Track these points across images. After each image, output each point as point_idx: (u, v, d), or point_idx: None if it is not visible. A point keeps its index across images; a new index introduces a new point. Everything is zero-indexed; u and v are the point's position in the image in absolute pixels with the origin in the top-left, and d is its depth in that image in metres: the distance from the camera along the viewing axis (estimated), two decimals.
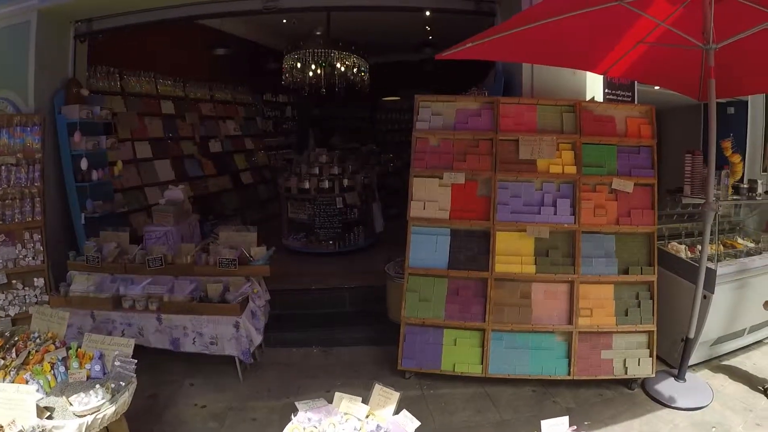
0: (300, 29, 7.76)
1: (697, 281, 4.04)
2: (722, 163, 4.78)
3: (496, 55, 4.45)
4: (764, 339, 4.99)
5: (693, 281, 4.22)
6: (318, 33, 7.34)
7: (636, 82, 5.26)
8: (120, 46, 6.44)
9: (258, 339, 4.56)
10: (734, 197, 4.81)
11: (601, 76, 4.94)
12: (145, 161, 7.12)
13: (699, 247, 4.66)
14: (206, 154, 8.38)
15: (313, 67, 7.40)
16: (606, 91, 4.97)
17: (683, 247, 4.82)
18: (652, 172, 4.30)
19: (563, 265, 4.21)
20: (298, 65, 7.27)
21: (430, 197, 4.36)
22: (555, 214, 4.22)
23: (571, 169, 4.25)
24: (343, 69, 7.50)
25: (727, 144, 4.76)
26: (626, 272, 4.22)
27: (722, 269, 4.37)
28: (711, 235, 4.35)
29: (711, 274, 4.25)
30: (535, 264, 4.21)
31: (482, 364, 4.17)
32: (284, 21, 7.70)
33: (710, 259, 4.29)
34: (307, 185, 6.92)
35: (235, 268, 4.63)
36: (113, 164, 5.85)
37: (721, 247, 4.89)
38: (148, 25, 5.49)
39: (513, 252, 4.25)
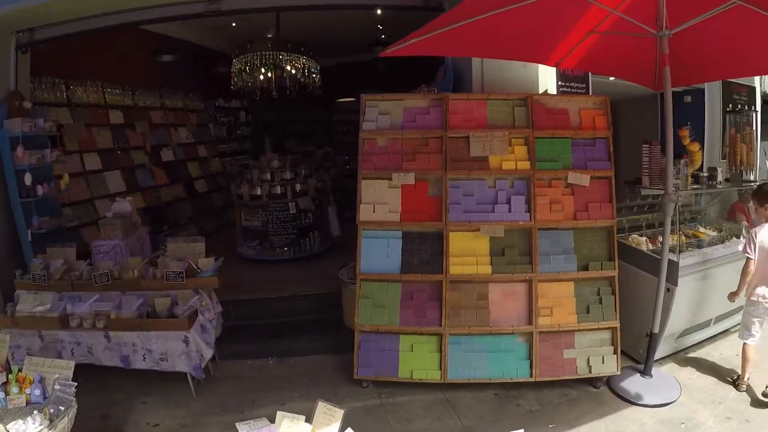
0: (250, 31, 7.38)
1: (659, 274, 3.82)
2: (680, 152, 4.58)
3: (443, 50, 4.21)
4: (730, 328, 4.79)
5: (655, 274, 4.00)
6: (269, 35, 7.01)
7: (590, 73, 5.01)
8: (65, 55, 6.08)
9: (209, 353, 4.29)
10: (694, 186, 4.63)
11: (554, 69, 4.67)
12: (95, 173, 6.69)
13: (660, 238, 4.49)
14: (158, 164, 7.92)
15: (263, 70, 7.03)
16: (559, 83, 4.72)
17: (644, 239, 4.61)
18: (608, 165, 4.07)
19: (520, 264, 3.96)
20: (247, 69, 6.87)
21: (380, 199, 4.09)
22: (509, 211, 3.97)
23: (525, 165, 4.01)
24: (293, 71, 7.14)
25: (685, 132, 4.55)
26: (586, 268, 3.99)
27: (685, 260, 4.16)
28: (672, 225, 4.17)
29: (673, 267, 4.04)
30: (491, 264, 3.96)
31: (441, 369, 3.91)
32: (233, 24, 7.34)
33: (672, 250, 4.08)
34: (258, 191, 6.57)
35: (183, 281, 4.34)
36: (59, 178, 5.51)
37: (683, 237, 4.69)
38: (92, 33, 5.12)
39: (468, 253, 4.00)
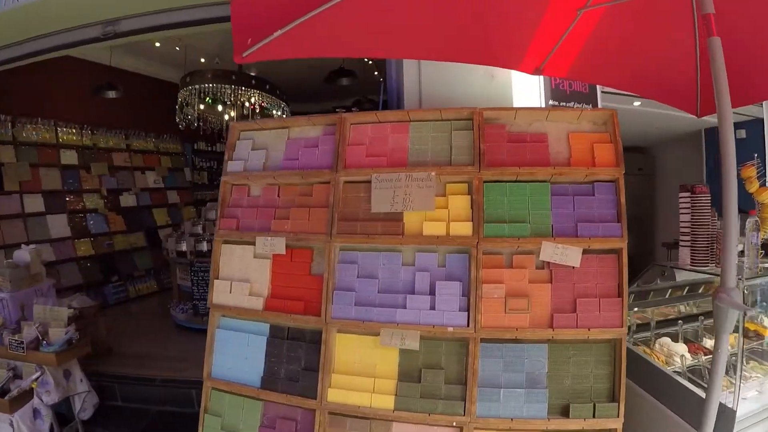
0: (195, 58, 5.81)
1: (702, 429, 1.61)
2: (744, 205, 2.44)
3: (342, 48, 2.02)
4: None
5: (691, 421, 2.00)
6: (216, 62, 5.43)
7: (599, 88, 2.79)
8: (11, 91, 4.94)
9: None
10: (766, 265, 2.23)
11: (539, 79, 2.60)
12: (35, 216, 5.41)
13: (706, 341, 2.39)
14: (115, 209, 6.42)
15: (220, 108, 5.37)
16: (551, 104, 2.59)
17: (681, 347, 2.45)
18: (618, 228, 1.91)
19: (446, 398, 1.91)
20: (199, 105, 5.07)
21: (242, 274, 2.24)
22: (433, 307, 1.94)
23: (464, 228, 1.96)
24: (255, 105, 5.22)
25: (750, 172, 2.29)
26: (566, 413, 1.87)
27: (747, 406, 1.97)
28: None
29: (726, 418, 1.91)
30: (397, 393, 1.95)
31: None
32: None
33: (727, 381, 1.94)
34: (184, 247, 4.70)
35: (23, 352, 2.87)
36: None
37: (744, 339, 2.50)
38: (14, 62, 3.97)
39: (362, 370, 2.02)
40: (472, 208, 1.99)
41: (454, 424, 1.90)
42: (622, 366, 1.91)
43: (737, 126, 3.49)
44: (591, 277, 1.96)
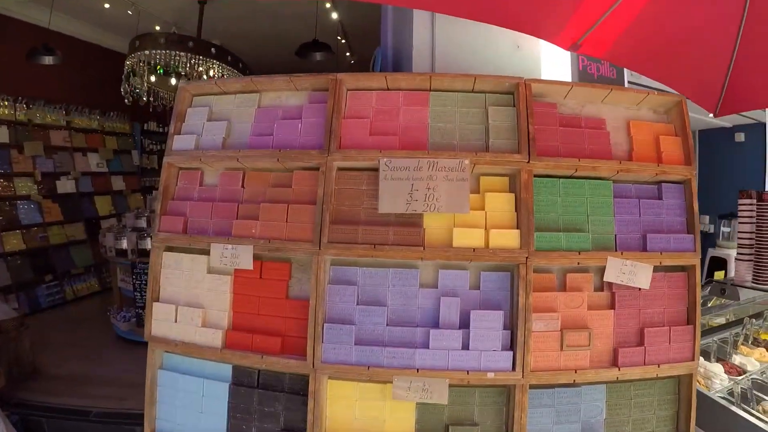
0: (149, 25, 4.65)
1: None
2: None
3: None
4: None
5: None
6: (173, 31, 4.18)
7: (627, 71, 2.54)
8: None
9: None
10: None
11: (569, 58, 2.08)
12: None
13: (735, 359, 2.01)
14: (51, 195, 5.00)
15: (173, 81, 4.11)
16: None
17: (717, 368, 2.06)
18: (689, 240, 1.40)
19: None
20: (149, 76, 3.97)
21: (192, 296, 1.45)
22: (466, 346, 1.29)
23: (509, 238, 1.31)
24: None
25: None
26: None
27: None
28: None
29: None
30: None
31: None
32: (129, 12, 4.51)
33: None
34: (124, 244, 3.52)
35: None
36: None
37: None
38: None
39: (365, 430, 1.33)
40: (517, 210, 1.37)
41: None
42: (692, 406, 1.41)
43: (736, 129, 3.19)
44: (658, 300, 1.43)
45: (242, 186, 1.48)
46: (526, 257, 1.31)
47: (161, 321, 1.48)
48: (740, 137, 3.07)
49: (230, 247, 1.39)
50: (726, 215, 1.97)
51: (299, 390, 1.37)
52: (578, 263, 1.35)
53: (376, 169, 1.36)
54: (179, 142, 1.51)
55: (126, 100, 3.97)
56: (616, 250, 1.39)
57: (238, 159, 1.44)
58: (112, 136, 6.02)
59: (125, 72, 3.84)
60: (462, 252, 1.30)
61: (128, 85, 3.94)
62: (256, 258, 1.40)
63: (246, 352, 1.38)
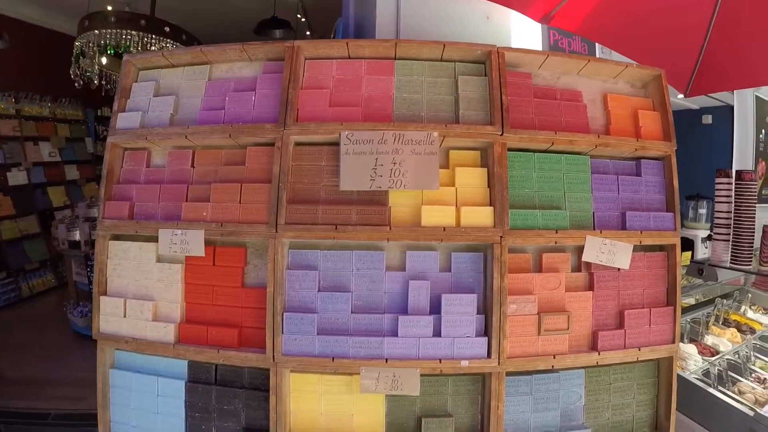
0: (102, 5, 4.05)
1: None
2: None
3: None
4: None
5: None
6: (126, 9, 3.88)
7: (599, 47, 2.42)
8: None
9: None
10: None
11: (540, 30, 2.00)
12: None
13: (707, 339, 1.99)
14: (2, 188, 4.75)
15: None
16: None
17: (691, 348, 1.98)
18: (669, 219, 1.32)
19: None
20: (100, 58, 3.59)
21: (141, 287, 1.30)
22: (438, 333, 1.18)
23: (482, 215, 1.20)
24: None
25: None
26: None
27: None
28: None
29: None
30: None
31: None
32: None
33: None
34: (77, 236, 3.31)
35: None
36: None
37: (736, 333, 2.14)
38: None
39: (332, 425, 1.21)
40: (490, 186, 1.26)
41: None
42: (672, 390, 1.34)
43: (703, 111, 3.15)
44: (638, 281, 1.35)
45: (192, 166, 1.34)
46: (501, 236, 1.20)
47: (110, 316, 1.33)
48: (707, 119, 3.02)
49: (180, 232, 1.24)
50: (693, 196, 1.91)
51: (260, 385, 1.24)
52: (555, 242, 1.25)
53: (336, 144, 1.23)
54: (123, 120, 1.35)
55: (76, 84, 3.67)
56: (594, 229, 1.30)
57: (186, 136, 1.29)
58: (64, 123, 5.64)
59: (74, 53, 3.56)
60: (431, 231, 1.19)
61: (78, 68, 3.65)
62: (209, 243, 1.26)
63: (201, 346, 1.25)
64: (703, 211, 1.86)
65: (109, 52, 3.32)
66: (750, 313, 2.27)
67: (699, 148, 2.63)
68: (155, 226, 1.28)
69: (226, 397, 1.26)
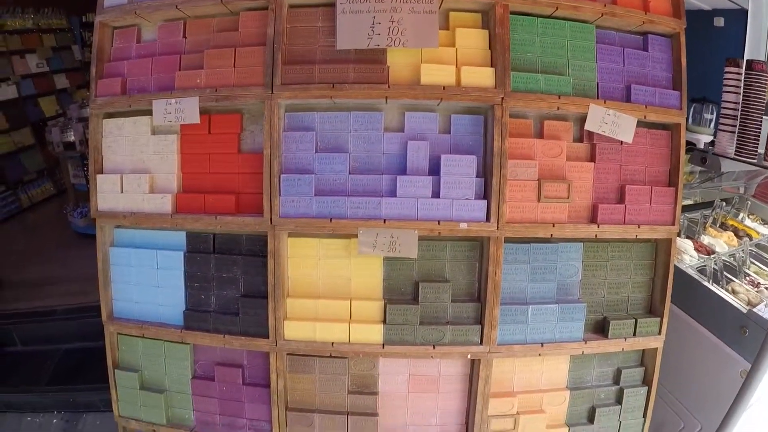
0: None
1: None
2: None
3: None
4: None
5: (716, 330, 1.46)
6: None
7: None
8: None
9: None
10: None
11: None
12: None
13: (704, 239, 1.95)
14: None
15: None
16: None
17: (687, 244, 1.98)
18: (675, 97, 1.24)
19: (455, 322, 1.18)
20: None
21: (137, 162, 1.25)
22: (437, 194, 1.14)
23: (482, 76, 1.13)
24: None
25: None
26: (600, 330, 1.26)
27: None
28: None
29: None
30: (385, 320, 1.17)
31: None
32: None
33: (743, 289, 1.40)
34: (71, 136, 3.21)
35: None
36: None
37: (732, 236, 2.14)
38: None
39: (330, 290, 1.20)
40: (491, 48, 1.18)
41: (469, 356, 1.20)
42: (669, 274, 1.31)
43: (716, 13, 2.94)
44: (640, 157, 1.29)
45: (184, 37, 1.26)
46: (502, 97, 1.14)
47: (107, 194, 1.29)
48: (719, 22, 2.83)
49: (174, 101, 1.18)
50: (699, 99, 1.81)
51: (258, 251, 1.21)
52: (558, 108, 1.18)
53: (332, 5, 1.15)
54: None
55: None
56: (598, 98, 1.23)
57: (177, 6, 1.21)
58: (49, 33, 5.39)
59: None
60: (431, 90, 1.12)
61: None
62: (204, 112, 1.21)
63: (198, 214, 1.21)
64: (708, 116, 1.77)
65: None
66: (748, 222, 2.23)
67: (709, 52, 2.41)
68: (149, 98, 1.22)
69: (225, 265, 1.24)
